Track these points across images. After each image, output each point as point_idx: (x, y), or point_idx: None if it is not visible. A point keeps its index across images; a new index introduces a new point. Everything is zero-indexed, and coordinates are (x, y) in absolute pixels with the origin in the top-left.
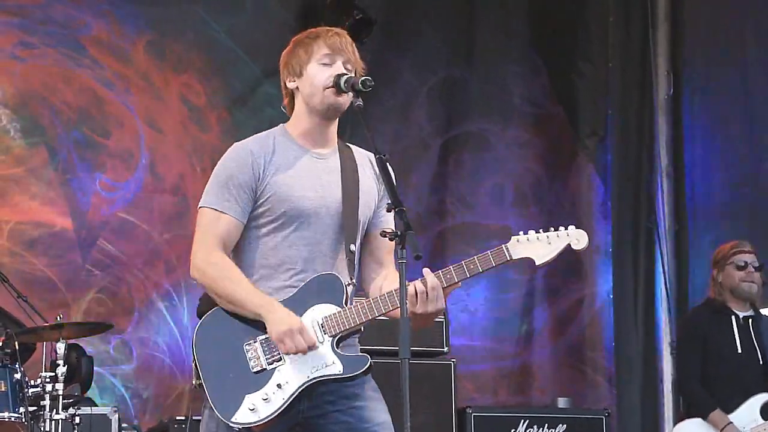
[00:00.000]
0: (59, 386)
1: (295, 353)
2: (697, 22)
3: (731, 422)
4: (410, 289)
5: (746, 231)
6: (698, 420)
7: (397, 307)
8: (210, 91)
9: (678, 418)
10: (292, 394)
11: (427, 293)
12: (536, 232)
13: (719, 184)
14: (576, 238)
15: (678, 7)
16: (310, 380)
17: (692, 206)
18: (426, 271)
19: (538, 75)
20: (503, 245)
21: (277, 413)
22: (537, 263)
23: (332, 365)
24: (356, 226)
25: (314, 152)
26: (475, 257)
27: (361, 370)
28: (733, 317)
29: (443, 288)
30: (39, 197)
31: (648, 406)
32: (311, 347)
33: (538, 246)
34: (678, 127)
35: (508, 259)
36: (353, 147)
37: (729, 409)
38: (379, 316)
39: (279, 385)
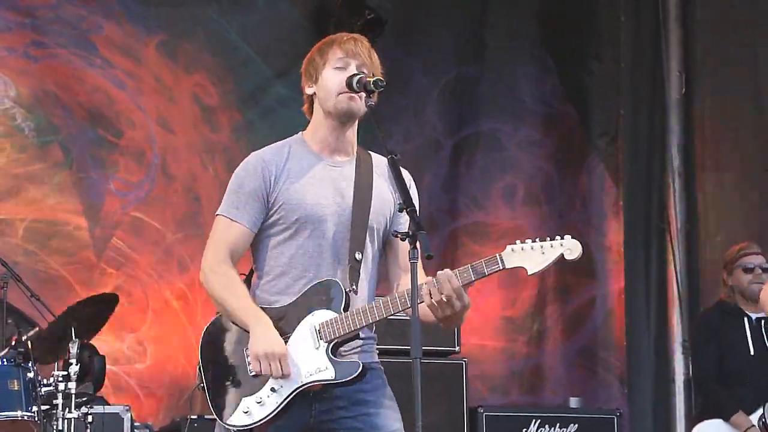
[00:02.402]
0: (72, 385)
1: (262, 374)
2: (709, 22)
3: (754, 425)
4: (423, 289)
5: (757, 231)
6: (718, 421)
7: (392, 314)
8: (221, 91)
9: (693, 420)
10: (286, 398)
11: (447, 301)
12: (532, 241)
13: (730, 184)
14: (569, 248)
15: (689, 7)
16: (304, 385)
17: (704, 206)
18: (440, 273)
19: (549, 75)
20: (497, 254)
21: (270, 417)
22: (528, 272)
23: (325, 371)
24: (364, 234)
25: (329, 160)
26: (468, 266)
27: (353, 376)
28: (745, 318)
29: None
30: (53, 196)
31: (660, 406)
32: (284, 376)
33: (531, 255)
34: (689, 127)
35: (501, 268)
36: (374, 155)
37: (746, 410)
38: (375, 322)
39: (273, 389)
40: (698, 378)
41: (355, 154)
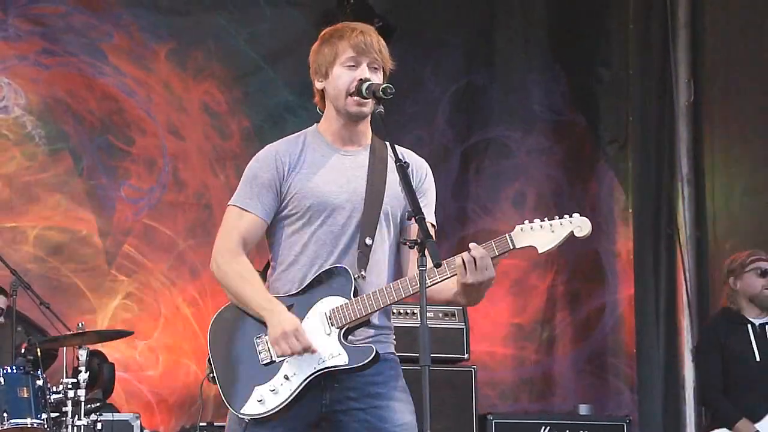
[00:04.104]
0: (81, 392)
1: (290, 355)
2: (718, 29)
3: (759, 431)
4: (458, 260)
5: (766, 238)
6: (724, 430)
7: (403, 298)
8: (231, 99)
9: (703, 429)
10: (299, 386)
11: (475, 261)
12: (540, 221)
13: (739, 191)
14: (579, 225)
15: (698, 14)
16: (317, 371)
17: (712, 213)
18: (473, 245)
19: (558, 82)
20: (507, 234)
21: (283, 405)
22: (539, 251)
23: (338, 356)
24: (376, 220)
25: (343, 150)
26: (480, 246)
27: (367, 361)
28: (749, 325)
29: (446, 278)
30: (64, 203)
31: (670, 413)
32: (306, 349)
33: (541, 234)
34: (698, 134)
35: (511, 248)
36: (389, 146)
37: (753, 418)
38: (385, 306)
39: (286, 377)
40: (703, 388)
41: (369, 142)
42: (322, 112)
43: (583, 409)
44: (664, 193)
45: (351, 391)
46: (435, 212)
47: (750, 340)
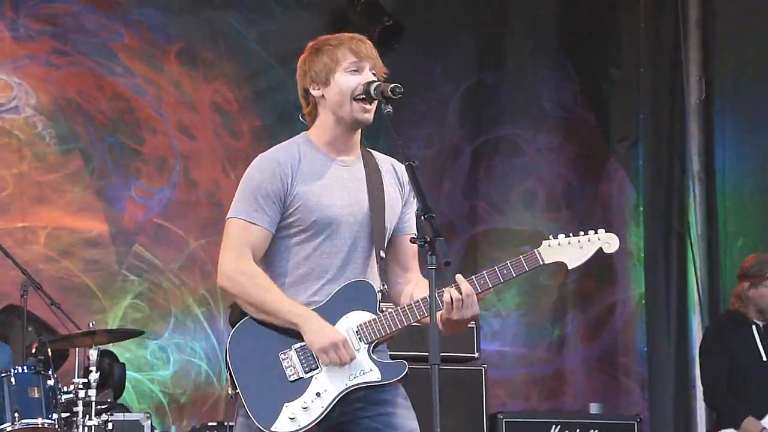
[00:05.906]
0: (92, 392)
1: (337, 365)
2: (729, 28)
3: (765, 428)
4: (445, 296)
5: None
6: (731, 430)
7: (427, 315)
8: (241, 98)
9: (710, 429)
10: (331, 402)
11: (462, 300)
12: (566, 236)
13: (750, 189)
14: (607, 241)
15: (709, 13)
16: (349, 388)
17: (723, 211)
18: (459, 277)
19: (569, 81)
20: (535, 250)
21: (316, 421)
22: (569, 267)
23: (370, 372)
24: (384, 233)
25: (339, 160)
26: (508, 262)
27: (400, 377)
28: (753, 327)
29: (477, 294)
30: (75, 203)
31: (680, 412)
32: (352, 360)
33: (569, 250)
34: (709, 132)
35: (541, 263)
36: (375, 153)
37: (762, 417)
38: (414, 323)
39: (318, 394)
40: (708, 389)
41: (359, 152)
42: (307, 123)
43: (594, 408)
44: (675, 191)
45: (357, 401)
46: (446, 211)
47: (755, 341)
